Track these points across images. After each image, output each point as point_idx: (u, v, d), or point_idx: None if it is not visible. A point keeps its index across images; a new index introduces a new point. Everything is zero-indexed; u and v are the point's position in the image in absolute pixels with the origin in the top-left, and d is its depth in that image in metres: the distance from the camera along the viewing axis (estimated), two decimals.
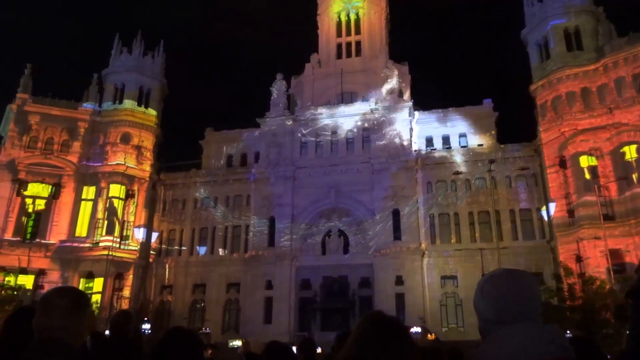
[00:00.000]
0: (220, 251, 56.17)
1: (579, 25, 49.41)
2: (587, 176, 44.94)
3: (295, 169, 55.32)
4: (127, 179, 54.80)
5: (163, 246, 57.92)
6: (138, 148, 56.34)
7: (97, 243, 51.98)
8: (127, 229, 54.07)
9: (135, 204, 55.30)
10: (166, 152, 63.09)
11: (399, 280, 49.15)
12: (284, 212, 53.78)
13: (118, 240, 52.08)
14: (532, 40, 51.98)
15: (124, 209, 54.41)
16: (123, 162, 54.74)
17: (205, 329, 45.64)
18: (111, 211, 53.50)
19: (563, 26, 49.56)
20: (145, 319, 43.86)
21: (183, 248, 57.50)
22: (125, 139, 56.14)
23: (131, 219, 54.55)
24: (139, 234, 52.97)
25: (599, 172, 45.00)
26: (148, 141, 57.82)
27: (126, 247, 52.79)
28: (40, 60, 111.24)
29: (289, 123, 57.45)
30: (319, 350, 8.05)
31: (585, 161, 45.62)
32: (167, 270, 56.26)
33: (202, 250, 56.76)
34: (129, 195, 54.73)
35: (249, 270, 53.24)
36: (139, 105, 58.19)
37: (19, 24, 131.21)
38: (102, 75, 58.99)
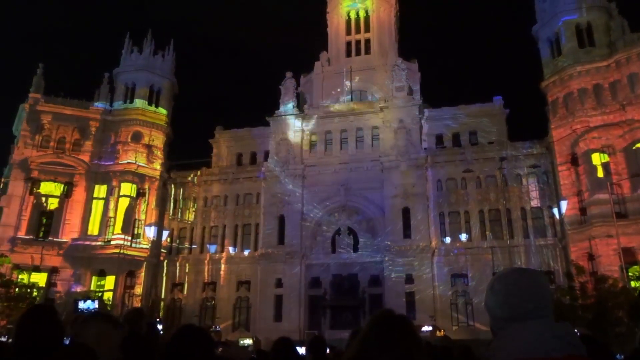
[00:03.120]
0: (231, 249, 56.42)
1: (591, 21, 48.90)
2: (600, 174, 44.46)
3: (304, 167, 55.38)
4: (138, 178, 55.23)
5: (174, 244, 58.32)
6: (149, 147, 56.73)
7: (109, 241, 52.50)
8: (138, 227, 54.47)
9: (146, 202, 55.63)
10: (176, 150, 63.51)
11: (409, 279, 49.04)
12: (293, 210, 53.88)
13: (129, 238, 52.54)
14: (543, 37, 51.54)
15: (135, 207, 54.82)
16: (134, 161, 55.19)
17: (216, 327, 45.87)
18: (129, 209, 54.00)
19: (575, 22, 49.07)
20: (158, 319, 43.96)
21: (194, 246, 57.83)
22: (136, 137, 56.55)
23: (142, 217, 54.92)
24: (150, 232, 53.40)
25: (611, 169, 44.54)
26: (158, 140, 58.18)
27: (137, 245, 53.23)
28: (52, 60, 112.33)
29: (298, 121, 57.52)
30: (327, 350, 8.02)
31: (597, 158, 45.13)
32: (178, 268, 56.67)
33: (212, 248, 57.04)
34: (140, 194, 55.11)
35: (259, 268, 53.43)
36: (150, 104, 58.61)
37: (30, 24, 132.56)
38: (113, 74, 59.47)
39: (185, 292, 55.84)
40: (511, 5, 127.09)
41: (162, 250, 55.64)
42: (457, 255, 50.02)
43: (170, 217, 58.66)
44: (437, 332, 39.32)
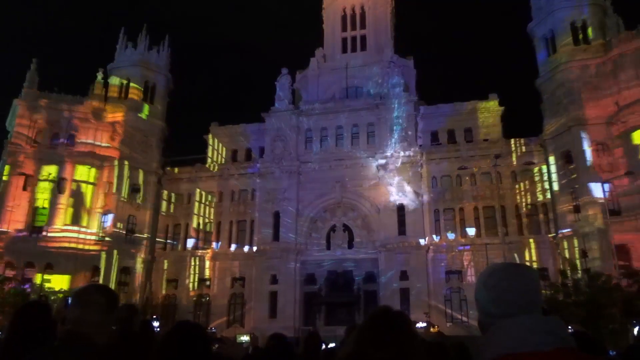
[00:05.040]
0: (226, 246, 56.33)
1: (586, 19, 49.12)
2: (595, 170, 44.71)
3: (300, 163, 55.34)
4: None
5: (168, 241, 58.16)
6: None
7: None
8: (133, 224, 54.15)
9: (141, 198, 55.21)
10: (171, 146, 63.16)
11: (404, 275, 49.18)
12: (288, 206, 53.84)
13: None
14: (538, 34, 51.71)
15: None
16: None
17: (211, 328, 45.69)
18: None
19: (570, 19, 49.28)
20: (154, 316, 43.52)
21: (189, 243, 57.61)
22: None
23: (136, 213, 54.59)
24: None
25: (605, 166, 44.80)
26: (153, 136, 57.95)
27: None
28: (46, 55, 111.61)
29: (293, 118, 57.42)
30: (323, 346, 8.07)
31: (592, 155, 45.39)
32: (173, 265, 56.47)
33: (207, 244, 56.90)
34: (134, 190, 54.79)
35: (253, 265, 53.39)
36: (144, 99, 58.27)
37: (25, 20, 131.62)
38: (107, 69, 59.03)
39: (179, 288, 55.71)
40: (507, 3, 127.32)
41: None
42: (452, 252, 50.23)
43: (164, 213, 58.56)
44: (432, 328, 39.55)
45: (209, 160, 62.79)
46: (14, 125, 54.21)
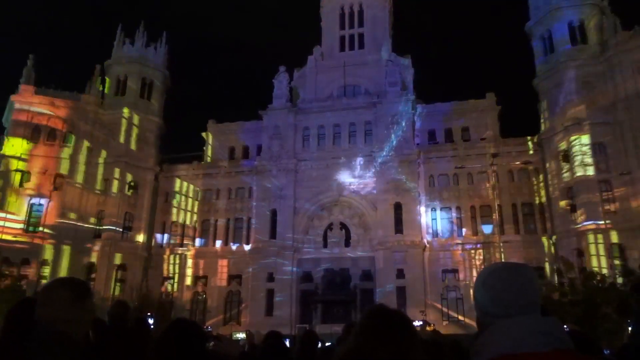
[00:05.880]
0: (222, 243, 56.28)
1: (584, 19, 49.22)
2: (589, 171, 44.83)
3: (297, 161, 55.29)
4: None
5: (165, 238, 58.03)
6: (139, 138, 55.59)
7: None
8: (130, 221, 54.02)
9: (140, 194, 55.09)
10: (168, 143, 63.07)
11: (400, 274, 49.23)
12: (285, 204, 53.82)
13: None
14: (536, 34, 51.78)
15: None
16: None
17: (208, 327, 45.63)
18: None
19: (568, 19, 49.34)
20: (150, 313, 43.37)
21: (185, 240, 57.54)
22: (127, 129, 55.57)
23: (135, 211, 54.47)
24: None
25: (602, 167, 44.93)
26: (150, 133, 57.80)
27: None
28: (44, 52, 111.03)
29: (291, 116, 57.36)
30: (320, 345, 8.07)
31: (587, 154, 45.51)
32: (169, 262, 56.38)
33: (203, 242, 56.87)
34: (131, 187, 54.69)
35: (250, 263, 53.37)
36: (142, 96, 58.13)
37: (24, 17, 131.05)
38: (104, 66, 58.82)
39: (175, 286, 55.64)
40: (505, 2, 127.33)
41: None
42: (449, 251, 50.29)
43: (161, 211, 58.41)
44: (428, 327, 39.55)
45: (207, 157, 62.77)
46: (10, 121, 54.03)
